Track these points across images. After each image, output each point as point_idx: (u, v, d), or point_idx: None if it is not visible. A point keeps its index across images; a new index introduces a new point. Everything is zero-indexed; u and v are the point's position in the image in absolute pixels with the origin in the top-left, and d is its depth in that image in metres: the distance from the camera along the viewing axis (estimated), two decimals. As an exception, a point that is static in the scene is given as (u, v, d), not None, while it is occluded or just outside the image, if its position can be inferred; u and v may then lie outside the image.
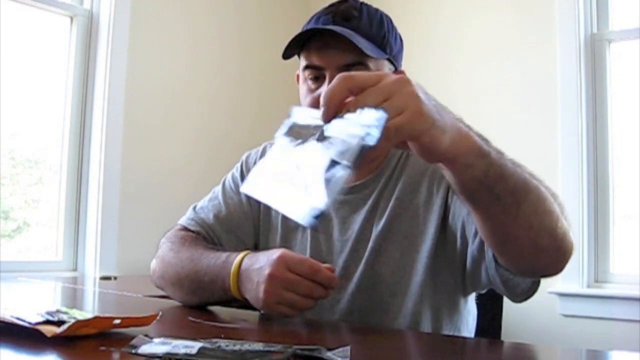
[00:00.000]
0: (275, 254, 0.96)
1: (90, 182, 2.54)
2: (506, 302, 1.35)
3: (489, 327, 1.38)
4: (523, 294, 0.98)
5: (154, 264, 1.19)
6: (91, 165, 2.55)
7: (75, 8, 2.56)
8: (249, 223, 1.23)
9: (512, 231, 0.83)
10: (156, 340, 0.71)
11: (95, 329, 0.76)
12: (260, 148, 1.31)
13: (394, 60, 1.17)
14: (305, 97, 1.13)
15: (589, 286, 2.55)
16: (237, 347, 0.68)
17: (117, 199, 2.55)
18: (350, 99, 0.68)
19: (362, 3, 1.15)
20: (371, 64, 1.10)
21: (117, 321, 0.77)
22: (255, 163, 1.28)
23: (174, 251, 1.14)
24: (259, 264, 0.97)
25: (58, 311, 0.80)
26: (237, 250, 1.11)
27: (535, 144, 2.70)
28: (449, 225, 1.08)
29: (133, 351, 0.66)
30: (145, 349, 0.68)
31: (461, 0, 2.96)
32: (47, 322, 0.76)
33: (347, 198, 1.17)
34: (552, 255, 0.87)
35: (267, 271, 0.94)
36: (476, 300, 1.20)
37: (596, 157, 2.62)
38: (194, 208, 1.26)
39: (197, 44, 2.92)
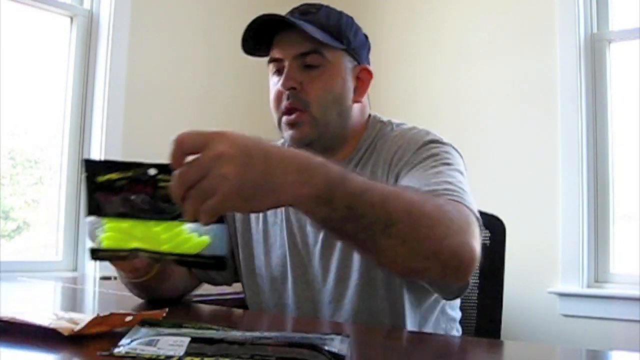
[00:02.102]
0: None
1: (90, 182, 2.54)
2: (506, 302, 1.35)
3: (488, 327, 1.37)
4: (453, 293, 1.01)
5: None
6: (91, 165, 2.54)
7: (75, 8, 2.56)
8: (241, 219, 1.25)
9: (378, 257, 0.85)
10: (144, 332, 0.71)
11: (108, 326, 0.77)
12: None
13: (355, 53, 1.19)
14: (270, 91, 1.18)
15: (589, 286, 2.55)
16: (230, 337, 0.68)
17: (117, 199, 2.55)
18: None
19: (324, 5, 1.18)
20: (327, 54, 1.14)
21: (129, 318, 0.77)
22: None
23: None
24: None
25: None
26: None
27: (535, 144, 2.70)
28: None
29: (107, 352, 0.66)
30: (123, 345, 0.67)
31: (462, 1, 2.96)
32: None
33: None
34: (437, 273, 0.88)
35: None
36: (476, 300, 1.20)
37: (596, 157, 2.62)
38: None
39: (197, 44, 2.92)
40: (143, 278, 1.06)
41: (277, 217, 1.22)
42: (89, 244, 0.79)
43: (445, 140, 1.15)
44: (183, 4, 2.86)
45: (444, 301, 1.16)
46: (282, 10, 1.18)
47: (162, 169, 0.71)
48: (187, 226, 0.73)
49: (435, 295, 1.14)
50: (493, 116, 2.82)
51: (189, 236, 0.73)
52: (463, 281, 0.89)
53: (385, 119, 1.24)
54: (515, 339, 0.88)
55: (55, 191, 2.53)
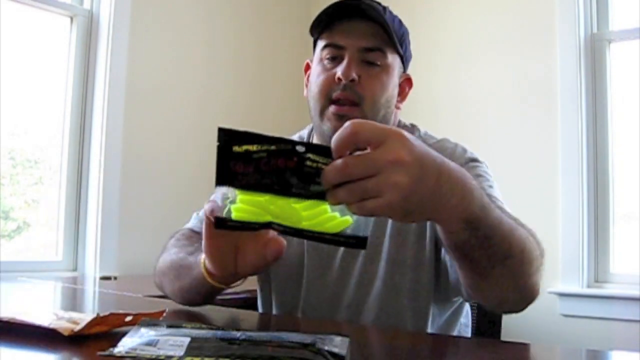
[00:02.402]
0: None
1: (90, 182, 2.54)
2: (506, 302, 1.35)
3: (489, 327, 1.38)
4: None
5: (157, 264, 1.17)
6: (91, 165, 2.55)
7: (75, 8, 2.56)
8: None
9: (480, 284, 0.86)
10: (144, 332, 0.71)
11: (108, 326, 0.77)
12: None
13: (405, 61, 1.20)
14: (318, 76, 1.14)
15: (589, 286, 2.55)
16: (230, 336, 0.68)
17: (117, 199, 2.55)
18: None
19: (384, 5, 1.18)
20: (389, 55, 1.14)
21: (129, 318, 0.77)
22: None
23: (173, 246, 1.13)
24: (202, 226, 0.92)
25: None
26: None
27: (535, 144, 2.70)
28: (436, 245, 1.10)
29: (107, 352, 0.66)
30: (123, 346, 0.67)
31: (462, 1, 2.96)
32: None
33: None
34: (515, 305, 0.91)
35: (206, 267, 0.93)
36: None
37: (596, 157, 2.62)
38: (197, 213, 1.25)
39: (197, 44, 2.92)
40: (236, 284, 0.97)
41: None
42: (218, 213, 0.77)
43: (479, 155, 1.15)
44: (183, 4, 2.86)
45: (462, 311, 1.17)
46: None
47: (312, 148, 0.67)
48: (329, 206, 0.70)
49: (457, 305, 1.14)
50: (493, 116, 2.82)
51: (332, 215, 0.70)
52: (521, 311, 0.93)
53: (408, 123, 1.25)
54: (515, 339, 0.88)
55: (55, 191, 2.53)
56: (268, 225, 0.71)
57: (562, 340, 2.52)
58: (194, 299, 1.03)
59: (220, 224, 0.72)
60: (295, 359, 0.63)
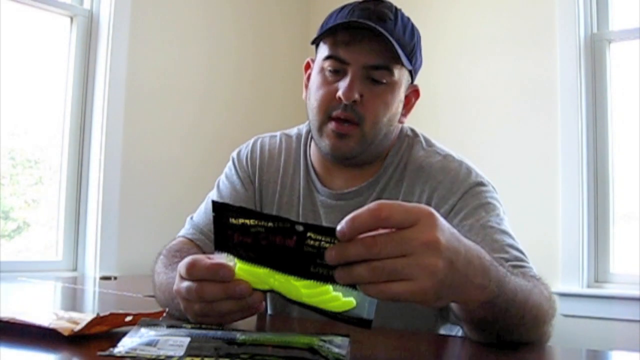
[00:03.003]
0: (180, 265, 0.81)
1: (90, 182, 2.54)
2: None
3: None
4: None
5: (152, 286, 1.12)
6: (91, 165, 2.55)
7: (75, 8, 2.56)
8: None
9: (489, 342, 0.85)
10: (144, 332, 0.71)
11: (108, 326, 0.77)
12: (250, 142, 1.28)
13: (414, 73, 1.14)
14: (318, 89, 1.09)
15: (589, 286, 2.55)
16: (230, 337, 0.68)
17: (117, 199, 2.55)
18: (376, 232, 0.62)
19: (396, 8, 1.12)
20: (396, 72, 1.08)
21: (129, 318, 0.77)
22: (247, 158, 1.24)
23: (160, 274, 1.07)
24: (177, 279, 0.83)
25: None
26: None
27: (535, 144, 2.70)
28: None
29: (107, 352, 0.66)
30: (123, 346, 0.67)
31: (462, 1, 2.96)
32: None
33: (339, 204, 1.15)
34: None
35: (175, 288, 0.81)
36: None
37: (596, 157, 2.62)
38: (191, 218, 1.22)
39: (197, 44, 2.92)
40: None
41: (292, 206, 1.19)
42: None
43: (485, 177, 1.12)
44: (183, 4, 2.86)
45: None
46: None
47: (312, 228, 0.63)
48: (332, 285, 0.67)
49: None
50: (493, 116, 2.82)
51: (335, 295, 0.67)
52: None
53: (409, 130, 1.20)
54: (515, 339, 0.88)
55: (55, 191, 2.53)
56: (270, 292, 0.71)
57: (562, 340, 2.51)
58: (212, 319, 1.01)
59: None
60: (295, 359, 0.63)
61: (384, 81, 1.07)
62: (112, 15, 2.56)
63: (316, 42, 1.12)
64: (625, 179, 2.60)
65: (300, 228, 0.63)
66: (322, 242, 0.63)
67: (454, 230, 0.67)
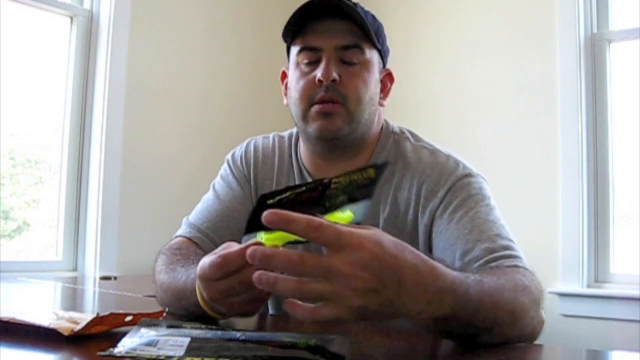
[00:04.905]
0: (197, 276, 0.84)
1: (90, 182, 2.54)
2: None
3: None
4: None
5: (153, 285, 1.12)
6: (91, 165, 2.55)
7: (75, 8, 2.56)
8: (246, 210, 1.19)
9: (469, 344, 0.84)
10: (144, 332, 0.71)
11: (108, 326, 0.77)
12: (244, 144, 1.28)
13: (384, 56, 1.17)
14: (297, 81, 1.11)
15: (589, 286, 2.55)
16: (230, 336, 0.68)
17: (117, 199, 2.55)
18: None
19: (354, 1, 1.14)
20: (367, 51, 1.11)
21: (129, 318, 0.77)
22: (241, 158, 1.25)
23: (162, 273, 1.07)
24: (200, 281, 0.85)
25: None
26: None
27: (535, 144, 2.70)
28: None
29: (107, 352, 0.66)
30: (123, 346, 0.67)
31: (462, 1, 2.96)
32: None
33: None
34: (521, 340, 0.89)
35: (207, 297, 0.84)
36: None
37: (596, 157, 2.62)
38: (187, 219, 1.22)
39: (197, 44, 2.92)
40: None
41: None
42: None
43: (473, 169, 1.12)
44: (183, 4, 2.86)
45: None
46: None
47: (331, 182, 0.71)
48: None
49: None
50: (493, 116, 2.82)
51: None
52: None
53: (396, 127, 1.21)
54: (515, 338, 0.88)
55: (55, 191, 2.53)
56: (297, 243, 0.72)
57: (562, 340, 2.52)
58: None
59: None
60: (295, 359, 0.63)
61: (357, 61, 1.10)
62: (112, 15, 2.56)
63: (287, 44, 1.15)
64: (625, 179, 2.60)
65: (327, 180, 0.70)
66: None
67: (395, 258, 0.66)
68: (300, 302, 0.65)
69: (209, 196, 1.24)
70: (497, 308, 0.79)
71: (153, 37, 2.74)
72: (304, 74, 1.11)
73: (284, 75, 1.20)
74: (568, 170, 2.61)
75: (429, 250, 1.08)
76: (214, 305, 0.84)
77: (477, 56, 2.88)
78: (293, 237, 0.69)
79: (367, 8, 1.16)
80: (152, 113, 2.72)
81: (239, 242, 1.19)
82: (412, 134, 1.20)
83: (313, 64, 1.10)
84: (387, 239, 0.67)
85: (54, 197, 2.52)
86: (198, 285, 0.85)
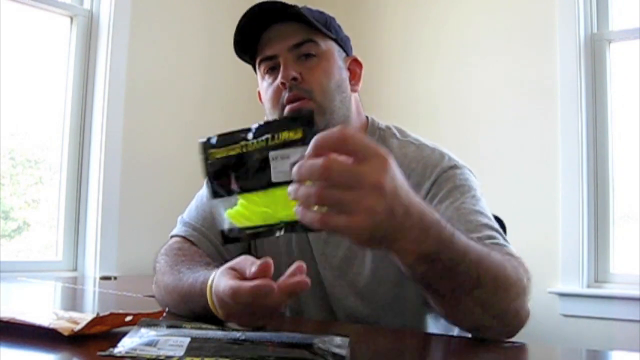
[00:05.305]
0: (215, 290, 0.86)
1: (90, 182, 2.54)
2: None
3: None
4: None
5: (154, 286, 1.13)
6: (91, 165, 2.55)
7: (75, 8, 2.56)
8: None
9: (451, 313, 0.85)
10: (144, 332, 0.71)
11: (108, 326, 0.77)
12: None
13: (343, 44, 1.18)
14: (265, 92, 1.16)
15: (589, 286, 2.55)
16: (230, 337, 0.68)
17: (117, 199, 2.55)
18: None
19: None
20: (321, 43, 1.13)
21: (129, 318, 0.77)
22: None
23: (165, 274, 1.07)
24: (216, 302, 0.87)
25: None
26: (236, 245, 1.13)
27: (535, 144, 2.70)
28: None
29: (107, 352, 0.66)
30: (123, 346, 0.67)
31: (462, 1, 2.96)
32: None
33: None
34: (498, 331, 0.88)
35: (221, 314, 0.86)
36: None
37: (596, 157, 2.62)
38: (182, 218, 1.23)
39: (197, 44, 2.92)
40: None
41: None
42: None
43: (459, 161, 1.13)
44: (183, 4, 2.86)
45: None
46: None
47: (273, 147, 0.70)
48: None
49: None
50: (492, 116, 2.82)
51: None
52: (512, 337, 0.91)
53: (383, 124, 1.21)
54: (515, 338, 0.88)
55: (55, 191, 2.53)
56: (272, 228, 0.71)
57: (562, 340, 2.52)
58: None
59: (227, 240, 0.74)
60: (296, 359, 0.63)
61: (314, 53, 1.12)
62: (112, 15, 2.56)
63: (252, 64, 1.21)
64: (625, 179, 2.60)
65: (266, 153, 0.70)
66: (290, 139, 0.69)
67: (405, 183, 0.69)
68: (312, 208, 0.64)
69: (201, 194, 1.25)
70: (480, 267, 0.79)
71: (153, 37, 2.74)
72: (269, 84, 1.15)
73: (260, 94, 1.23)
74: (568, 170, 2.61)
75: None
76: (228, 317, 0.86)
77: (477, 56, 2.88)
78: (274, 217, 0.69)
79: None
80: (152, 113, 2.72)
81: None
82: (399, 130, 1.21)
83: (274, 71, 1.13)
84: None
85: (54, 197, 2.52)
86: (209, 292, 0.87)
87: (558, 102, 2.66)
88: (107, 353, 0.66)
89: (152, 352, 0.65)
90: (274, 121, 0.72)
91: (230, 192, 0.74)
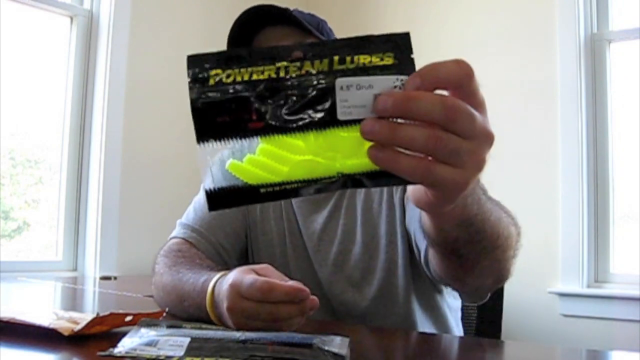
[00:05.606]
0: (227, 282, 0.82)
1: (90, 182, 2.54)
2: (506, 302, 1.35)
3: (489, 327, 1.37)
4: (481, 300, 0.99)
5: (153, 287, 1.13)
6: (91, 165, 2.55)
7: (75, 8, 2.57)
8: (237, 216, 1.22)
9: (463, 276, 0.84)
10: (144, 332, 0.71)
11: (108, 326, 0.77)
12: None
13: None
14: None
15: (589, 286, 2.55)
16: (230, 337, 0.68)
17: (117, 199, 2.55)
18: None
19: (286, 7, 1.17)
20: None
21: (129, 318, 0.77)
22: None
23: (164, 274, 1.07)
24: (220, 295, 0.84)
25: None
26: (234, 246, 1.15)
27: (535, 144, 2.70)
28: (405, 226, 1.09)
29: (107, 352, 0.66)
30: (123, 346, 0.67)
31: (462, 1, 2.96)
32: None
33: (309, 198, 1.16)
34: (489, 288, 0.90)
35: (224, 305, 0.81)
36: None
37: (596, 157, 2.62)
38: (181, 220, 1.23)
39: (197, 44, 2.92)
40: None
41: (278, 214, 1.21)
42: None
43: None
44: (183, 4, 2.86)
45: (445, 295, 1.17)
46: (288, 6, 1.16)
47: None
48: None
49: (438, 293, 1.15)
50: (493, 116, 2.78)
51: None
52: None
53: None
54: (515, 339, 0.88)
55: (55, 191, 2.53)
56: (314, 185, 0.51)
57: (562, 340, 2.52)
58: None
59: (218, 202, 0.53)
60: (296, 359, 0.63)
61: None
62: (112, 15, 2.56)
63: None
64: (625, 179, 2.60)
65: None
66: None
67: None
68: (407, 152, 0.51)
69: (199, 197, 1.25)
70: (500, 226, 0.77)
71: (153, 37, 2.74)
72: None
73: None
74: (568, 170, 2.61)
75: (404, 221, 1.09)
76: (223, 317, 0.83)
77: (477, 56, 2.88)
78: (327, 169, 0.51)
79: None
80: (152, 113, 2.72)
81: (236, 241, 1.20)
82: None
83: None
84: None
85: (54, 197, 2.53)
86: (211, 292, 0.87)
87: (558, 102, 2.66)
88: (107, 353, 0.66)
89: (152, 352, 0.65)
90: (345, 39, 0.52)
91: (244, 133, 0.51)
